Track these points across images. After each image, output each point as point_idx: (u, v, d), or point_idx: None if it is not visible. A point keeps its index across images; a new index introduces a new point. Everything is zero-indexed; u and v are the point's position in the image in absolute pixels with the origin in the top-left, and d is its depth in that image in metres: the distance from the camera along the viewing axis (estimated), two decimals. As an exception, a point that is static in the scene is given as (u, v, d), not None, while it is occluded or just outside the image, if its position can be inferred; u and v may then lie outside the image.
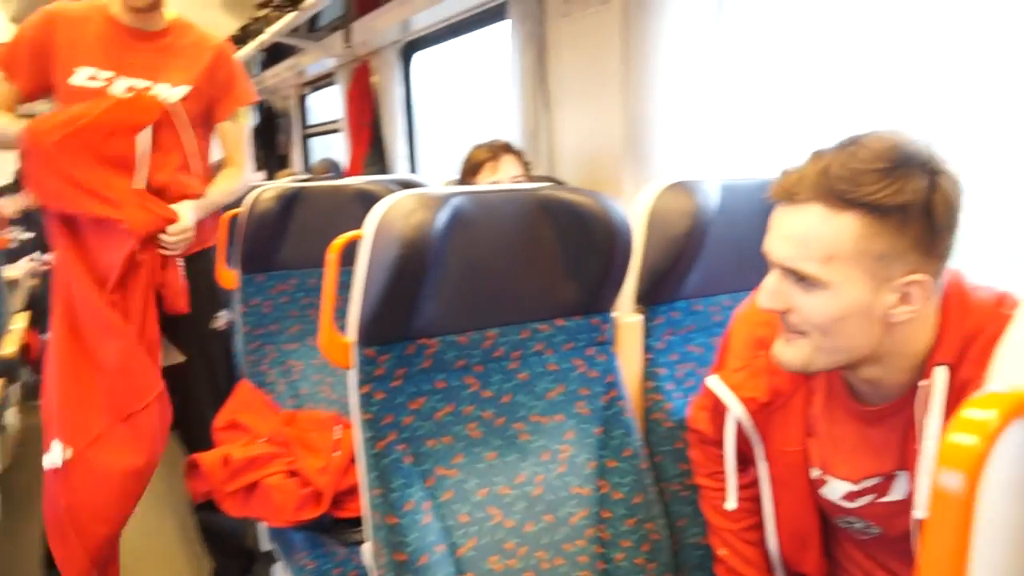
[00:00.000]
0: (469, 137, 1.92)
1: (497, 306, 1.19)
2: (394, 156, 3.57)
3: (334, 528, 1.52)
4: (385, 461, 1.08)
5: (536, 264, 1.20)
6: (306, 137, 5.33)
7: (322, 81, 4.72)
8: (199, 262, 1.83)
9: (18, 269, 3.79)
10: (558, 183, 2.07)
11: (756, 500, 1.10)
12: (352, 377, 1.12)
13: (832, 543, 1.09)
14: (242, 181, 1.88)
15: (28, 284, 3.83)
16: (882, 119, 0.96)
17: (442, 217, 1.07)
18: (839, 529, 1.05)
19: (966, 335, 0.85)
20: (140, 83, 1.69)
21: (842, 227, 0.81)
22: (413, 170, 3.63)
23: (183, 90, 1.73)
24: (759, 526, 1.11)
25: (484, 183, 1.79)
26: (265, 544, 1.78)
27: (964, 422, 0.32)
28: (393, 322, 1.10)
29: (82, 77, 1.66)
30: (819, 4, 1.93)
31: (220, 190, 1.82)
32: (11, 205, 4.21)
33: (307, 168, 5.38)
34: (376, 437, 1.08)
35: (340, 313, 1.14)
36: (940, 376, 0.83)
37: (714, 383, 1.07)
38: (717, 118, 1.98)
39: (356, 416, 1.09)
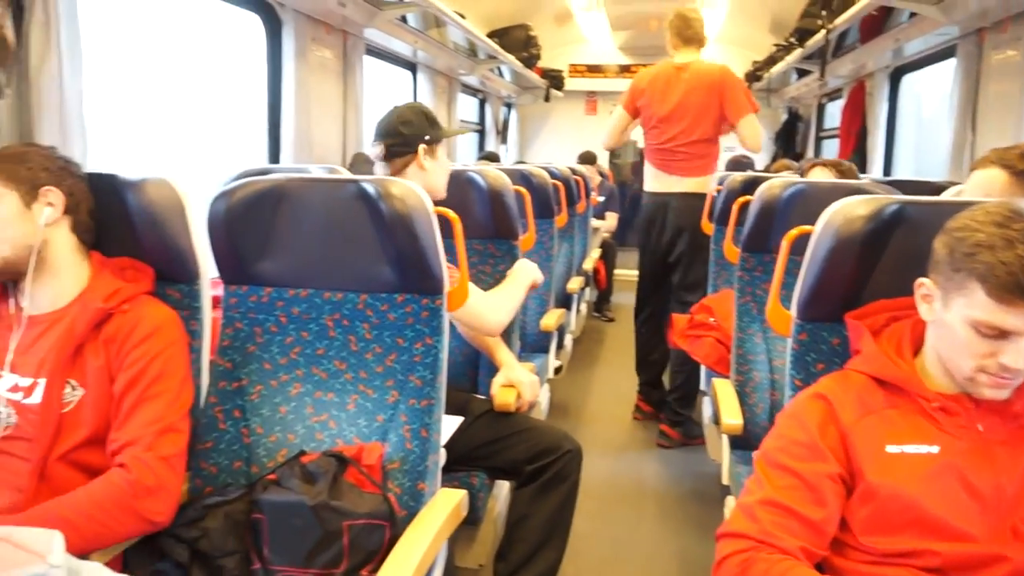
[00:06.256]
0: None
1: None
2: (871, 161, 4.37)
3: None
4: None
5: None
6: (819, 139, 6.26)
7: (835, 94, 5.62)
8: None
9: (597, 222, 5.69)
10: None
11: None
12: (789, 344, 1.36)
13: None
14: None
15: (602, 233, 5.71)
16: None
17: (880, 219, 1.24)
18: None
19: None
20: None
21: None
22: (887, 172, 4.38)
23: None
24: None
25: None
26: (702, 384, 3.00)
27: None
28: (829, 304, 1.30)
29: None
30: None
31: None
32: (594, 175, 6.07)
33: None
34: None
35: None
36: None
37: None
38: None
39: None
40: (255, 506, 1.29)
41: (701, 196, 3.15)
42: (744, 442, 2.01)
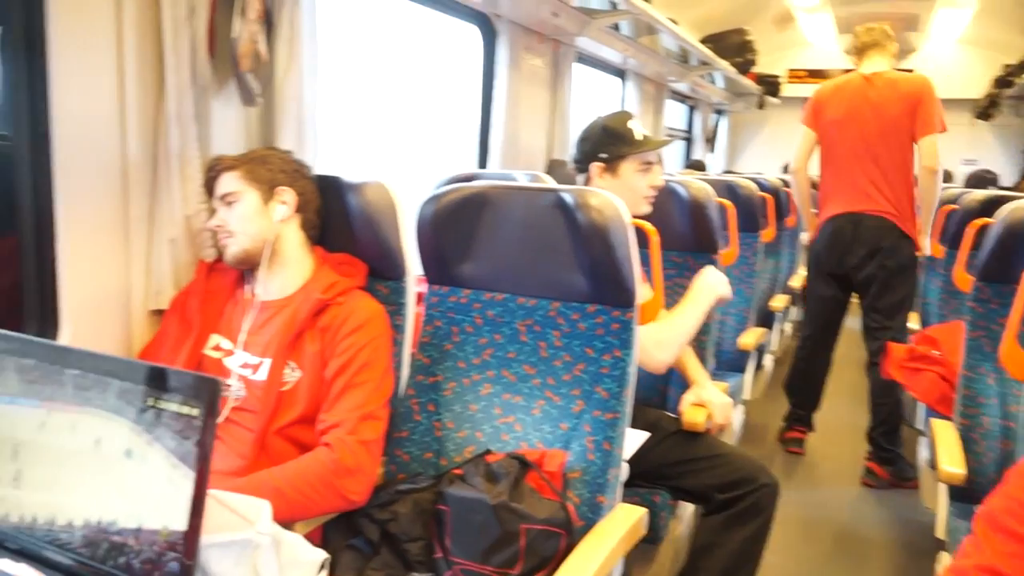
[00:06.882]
0: None
1: None
2: None
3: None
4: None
5: None
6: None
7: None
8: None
9: (808, 237, 5.32)
10: None
11: None
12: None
13: None
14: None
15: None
16: None
17: None
18: None
19: None
20: None
21: None
22: None
23: None
24: None
25: None
26: (919, 422, 2.72)
27: None
28: None
29: None
30: None
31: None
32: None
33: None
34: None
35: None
36: None
37: None
38: None
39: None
40: (441, 497, 1.35)
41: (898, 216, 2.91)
42: (966, 493, 1.80)
